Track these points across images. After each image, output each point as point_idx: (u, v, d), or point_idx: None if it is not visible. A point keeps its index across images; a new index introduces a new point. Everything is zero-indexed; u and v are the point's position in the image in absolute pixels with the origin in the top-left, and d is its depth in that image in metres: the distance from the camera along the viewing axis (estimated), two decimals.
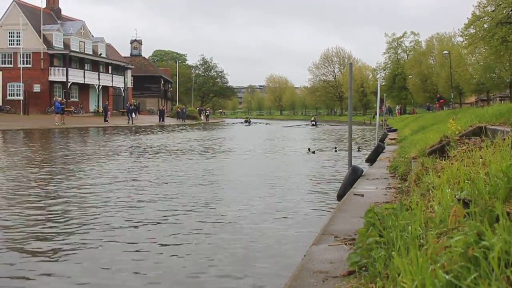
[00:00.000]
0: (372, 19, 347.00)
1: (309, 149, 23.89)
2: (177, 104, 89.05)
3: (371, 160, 15.03)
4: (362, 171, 10.07)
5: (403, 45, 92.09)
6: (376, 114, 25.29)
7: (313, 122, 67.33)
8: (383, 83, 77.15)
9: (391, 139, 23.45)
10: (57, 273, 5.51)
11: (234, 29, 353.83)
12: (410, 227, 3.65)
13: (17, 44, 60.19)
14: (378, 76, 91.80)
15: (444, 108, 52.51)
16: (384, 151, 16.09)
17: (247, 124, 70.75)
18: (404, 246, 3.27)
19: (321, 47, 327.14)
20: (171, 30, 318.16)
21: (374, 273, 3.28)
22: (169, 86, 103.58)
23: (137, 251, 6.36)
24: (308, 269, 3.91)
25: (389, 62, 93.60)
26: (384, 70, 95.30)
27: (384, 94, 37.23)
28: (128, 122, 50.87)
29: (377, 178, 9.51)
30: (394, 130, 32.71)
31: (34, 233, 7.14)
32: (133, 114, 51.70)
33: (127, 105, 58.51)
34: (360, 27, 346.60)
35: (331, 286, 3.50)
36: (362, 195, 7.46)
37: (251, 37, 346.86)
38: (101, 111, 53.49)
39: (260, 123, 76.47)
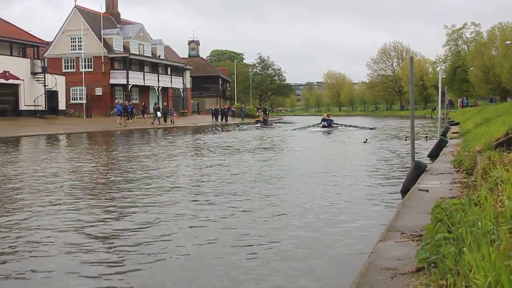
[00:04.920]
0: (416, 12, 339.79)
1: (366, 140, 24.64)
2: (236, 103, 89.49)
3: (434, 155, 14.76)
4: (426, 166, 9.91)
5: (464, 36, 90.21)
6: (436, 108, 24.96)
7: (324, 123, 40.50)
8: (443, 76, 75.48)
9: (454, 133, 22.99)
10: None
11: (274, 27, 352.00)
12: (480, 222, 3.59)
13: (78, 49, 61.75)
14: (438, 68, 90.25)
15: (508, 100, 51.15)
16: (447, 145, 15.79)
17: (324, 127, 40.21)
18: (474, 242, 3.22)
19: (365, 41, 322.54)
20: (212, 30, 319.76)
21: (444, 270, 3.24)
22: (227, 85, 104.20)
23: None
24: (376, 266, 3.88)
25: (449, 55, 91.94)
26: (444, 63, 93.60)
27: (445, 87, 36.49)
28: (153, 123, 49.93)
29: (441, 173, 9.34)
30: (457, 124, 32.07)
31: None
32: (159, 114, 51.29)
33: (164, 105, 58.41)
34: (404, 20, 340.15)
35: (400, 283, 3.47)
36: (427, 191, 7.35)
37: (293, 34, 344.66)
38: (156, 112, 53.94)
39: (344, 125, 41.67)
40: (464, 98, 76.14)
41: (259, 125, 51.69)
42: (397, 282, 3.50)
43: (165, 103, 60.93)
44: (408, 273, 3.63)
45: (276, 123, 58.56)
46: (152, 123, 49.49)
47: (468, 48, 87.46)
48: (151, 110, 56.28)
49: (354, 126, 40.83)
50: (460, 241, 3.46)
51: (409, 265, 3.80)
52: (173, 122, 51.95)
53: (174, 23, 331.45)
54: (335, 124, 41.56)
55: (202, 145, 25.74)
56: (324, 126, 40.30)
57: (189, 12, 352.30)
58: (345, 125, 40.99)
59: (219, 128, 47.03)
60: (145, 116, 51.92)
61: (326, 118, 41.92)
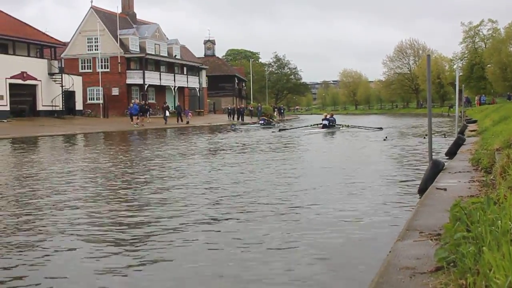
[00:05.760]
0: (428, 9, 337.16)
1: (386, 137, 24.75)
2: (251, 102, 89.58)
3: (452, 153, 14.68)
4: (444, 164, 9.87)
5: (481, 33, 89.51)
6: (453, 106, 24.92)
7: (325, 122, 36.62)
8: (460, 74, 74.95)
9: (471, 131, 22.84)
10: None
11: (286, 26, 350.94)
12: (499, 221, 3.57)
13: (95, 49, 62.06)
14: (455, 66, 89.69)
15: None
16: (464, 143, 15.69)
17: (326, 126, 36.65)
18: (494, 241, 3.21)
19: (378, 39, 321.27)
20: (224, 29, 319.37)
21: (463, 269, 3.23)
22: (243, 84, 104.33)
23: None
24: (395, 265, 3.88)
25: (466, 52, 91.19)
26: (461, 60, 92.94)
27: (463, 85, 36.22)
28: (166, 123, 49.24)
29: (459, 172, 9.29)
30: (474, 121, 31.87)
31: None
32: (168, 113, 50.83)
33: (177, 105, 58.31)
34: (417, 17, 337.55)
35: (419, 282, 3.47)
36: (445, 189, 7.32)
37: (305, 33, 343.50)
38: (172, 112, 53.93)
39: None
40: (483, 95, 75.55)
41: (260, 124, 48.62)
42: (416, 281, 3.50)
43: (178, 103, 61.13)
44: (427, 272, 3.63)
45: (279, 123, 54.40)
46: (166, 123, 49.15)
47: (485, 45, 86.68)
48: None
49: (359, 127, 36.57)
50: (479, 240, 3.45)
51: (428, 264, 3.79)
52: (188, 122, 51.86)
53: (186, 23, 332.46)
54: (338, 124, 37.25)
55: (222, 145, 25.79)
56: (324, 126, 36.09)
57: (200, 12, 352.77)
58: (348, 126, 36.80)
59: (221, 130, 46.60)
60: (148, 116, 51.32)
61: (328, 117, 37.76)
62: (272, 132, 36.56)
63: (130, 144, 28.10)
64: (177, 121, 52.15)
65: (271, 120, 51.91)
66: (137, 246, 6.53)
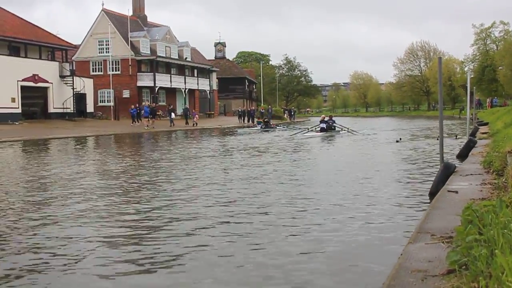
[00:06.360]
0: (437, 11, 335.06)
1: (400, 139, 25.33)
2: (262, 104, 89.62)
3: (463, 155, 14.63)
4: (455, 167, 9.83)
5: (492, 35, 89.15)
6: (464, 108, 24.85)
7: (323, 125, 33.39)
8: (472, 76, 74.57)
9: (483, 133, 22.77)
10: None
11: (294, 28, 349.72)
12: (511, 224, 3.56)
13: (106, 52, 62.35)
14: (466, 68, 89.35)
15: None
16: (476, 145, 15.64)
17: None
18: (507, 244, 3.20)
19: (387, 41, 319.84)
20: (232, 32, 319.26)
21: (475, 272, 3.22)
22: (254, 87, 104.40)
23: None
24: (406, 268, 3.87)
25: (478, 54, 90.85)
26: (473, 62, 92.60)
27: (474, 87, 36.01)
28: (171, 125, 48.91)
29: (471, 174, 9.26)
30: (485, 124, 31.75)
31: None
32: (173, 115, 50.44)
33: (184, 107, 57.98)
34: (425, 19, 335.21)
35: (431, 285, 3.46)
36: (456, 192, 7.30)
37: (314, 35, 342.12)
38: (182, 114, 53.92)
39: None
40: (495, 98, 75.17)
41: (260, 127, 45.47)
42: (427, 284, 3.49)
43: (186, 105, 61.17)
44: (439, 275, 3.62)
45: (279, 125, 50.39)
46: (172, 125, 48.80)
47: (497, 47, 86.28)
48: (178, 111, 56.32)
49: (353, 131, 33.47)
50: (491, 243, 3.44)
51: (439, 267, 3.78)
52: (195, 124, 51.73)
53: (194, 25, 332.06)
54: (339, 126, 34.05)
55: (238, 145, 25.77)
56: (322, 130, 32.86)
57: (208, 15, 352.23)
58: (348, 129, 33.72)
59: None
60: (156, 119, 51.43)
61: (327, 119, 34.12)
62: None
63: (145, 146, 28.14)
64: (185, 124, 52.13)
65: (268, 122, 47.38)
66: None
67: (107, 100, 60.90)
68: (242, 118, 64.67)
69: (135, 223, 8.06)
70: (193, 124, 51.81)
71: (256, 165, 16.33)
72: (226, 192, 10.82)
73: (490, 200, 5.44)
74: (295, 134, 33.90)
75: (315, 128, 34.55)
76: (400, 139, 26.39)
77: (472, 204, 4.34)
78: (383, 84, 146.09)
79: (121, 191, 11.43)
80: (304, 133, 33.55)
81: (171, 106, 53.90)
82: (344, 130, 33.68)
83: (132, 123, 49.06)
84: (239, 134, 38.83)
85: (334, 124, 33.93)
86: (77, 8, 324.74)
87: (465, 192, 7.29)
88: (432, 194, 8.89)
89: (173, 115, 50.32)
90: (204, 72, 76.85)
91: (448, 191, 7.48)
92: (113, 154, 22.24)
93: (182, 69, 70.87)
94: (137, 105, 52.12)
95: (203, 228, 7.59)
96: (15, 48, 48.23)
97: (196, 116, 55.08)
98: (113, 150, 24.79)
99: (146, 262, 5.94)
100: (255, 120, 58.68)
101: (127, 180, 13.27)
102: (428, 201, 8.74)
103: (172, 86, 66.40)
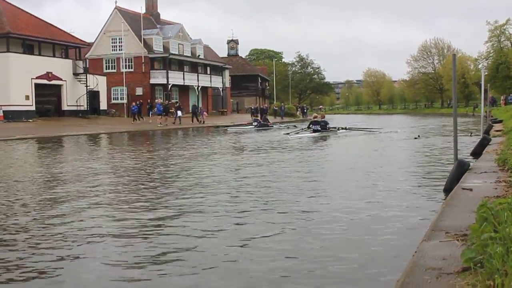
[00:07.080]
0: (448, 8, 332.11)
1: (418, 136, 25.58)
2: (275, 102, 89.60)
3: (477, 153, 14.54)
4: (469, 164, 9.78)
5: (507, 32, 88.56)
6: (478, 106, 24.74)
7: (316, 126, 31.08)
8: (486, 73, 73.96)
9: (497, 131, 22.59)
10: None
11: (306, 25, 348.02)
12: None
13: (119, 49, 62.61)
14: (480, 65, 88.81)
15: None
16: (490, 143, 15.54)
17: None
18: None
19: (398, 38, 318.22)
20: (244, 29, 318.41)
21: (491, 270, 3.20)
22: (267, 84, 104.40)
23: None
24: (421, 265, 3.85)
25: (492, 51, 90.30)
26: (487, 60, 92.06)
27: (488, 84, 35.80)
28: (174, 122, 48.01)
29: (485, 172, 9.20)
30: (500, 121, 31.53)
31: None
32: (180, 113, 49.89)
33: (193, 105, 58.04)
34: (436, 16, 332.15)
35: (445, 283, 3.44)
36: (471, 190, 7.26)
37: (326, 32, 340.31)
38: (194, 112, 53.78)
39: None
40: (510, 95, 74.64)
41: (254, 126, 42.15)
42: (442, 282, 3.47)
43: (194, 103, 61.25)
44: (453, 273, 3.60)
45: (276, 123, 47.85)
46: (173, 123, 47.84)
47: (511, 44, 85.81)
48: (191, 109, 56.25)
49: (358, 129, 32.90)
50: (507, 241, 3.42)
51: (454, 265, 3.76)
52: (203, 122, 51.59)
53: (206, 23, 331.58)
54: (332, 127, 32.05)
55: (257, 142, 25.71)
56: (315, 131, 30.76)
57: (220, 12, 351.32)
58: (346, 128, 32.14)
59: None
60: (150, 115, 51.79)
61: (319, 119, 31.91)
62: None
63: (164, 144, 28.21)
64: (192, 121, 51.94)
65: (265, 121, 44.37)
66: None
67: (120, 97, 61.24)
68: (254, 115, 64.63)
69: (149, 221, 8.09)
70: (201, 121, 51.77)
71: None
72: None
73: (505, 197, 5.41)
74: (287, 134, 31.15)
75: (308, 129, 32.07)
76: (419, 136, 26.45)
77: (487, 202, 4.32)
78: (396, 81, 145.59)
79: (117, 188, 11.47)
80: (296, 133, 31.16)
81: (178, 104, 53.37)
82: (341, 129, 31.70)
83: (133, 120, 49.22)
84: (228, 133, 36.81)
85: (328, 126, 31.65)
86: (88, 6, 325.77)
87: (480, 189, 7.25)
88: (447, 191, 8.86)
89: (179, 113, 49.47)
90: (217, 70, 76.91)
91: (463, 188, 7.44)
92: (123, 151, 22.35)
93: (195, 67, 71.01)
94: (137, 102, 51.85)
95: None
96: (29, 46, 48.54)
97: (205, 113, 55.01)
98: (124, 147, 24.94)
99: (156, 259, 5.96)
100: (252, 117, 56.82)
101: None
102: (443, 198, 8.70)
103: (185, 84, 66.55)
